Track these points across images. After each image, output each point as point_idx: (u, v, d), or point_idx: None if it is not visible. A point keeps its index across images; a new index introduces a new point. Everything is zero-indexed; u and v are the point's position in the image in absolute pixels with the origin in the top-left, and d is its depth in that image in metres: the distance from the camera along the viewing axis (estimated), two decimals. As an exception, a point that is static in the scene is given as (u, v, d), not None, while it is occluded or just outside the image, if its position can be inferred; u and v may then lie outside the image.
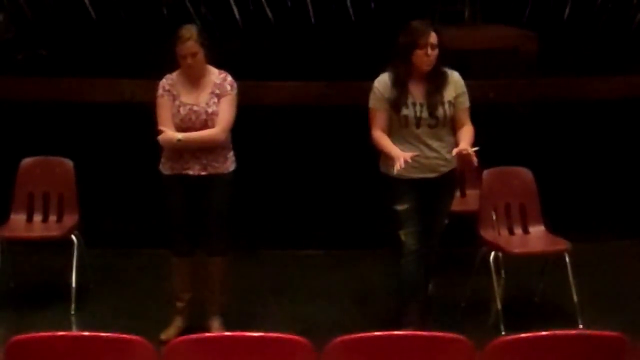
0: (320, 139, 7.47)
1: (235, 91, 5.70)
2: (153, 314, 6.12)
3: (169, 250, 5.87)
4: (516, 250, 6.13)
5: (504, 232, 6.31)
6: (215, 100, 5.65)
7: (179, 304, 5.90)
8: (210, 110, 5.63)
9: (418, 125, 5.56)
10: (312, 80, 7.67)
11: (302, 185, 7.49)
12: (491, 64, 8.74)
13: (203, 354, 3.64)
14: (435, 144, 5.59)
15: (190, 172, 5.67)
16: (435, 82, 5.57)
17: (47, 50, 8.98)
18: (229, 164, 5.75)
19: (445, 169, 5.67)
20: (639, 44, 9.43)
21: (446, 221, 5.81)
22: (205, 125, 5.63)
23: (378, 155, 5.69)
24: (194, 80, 5.67)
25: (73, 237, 6.34)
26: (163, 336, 5.67)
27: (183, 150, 5.64)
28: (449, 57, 5.69)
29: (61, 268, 6.45)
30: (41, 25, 9.71)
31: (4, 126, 7.50)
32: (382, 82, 5.61)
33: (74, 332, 5.29)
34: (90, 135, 7.43)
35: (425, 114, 5.55)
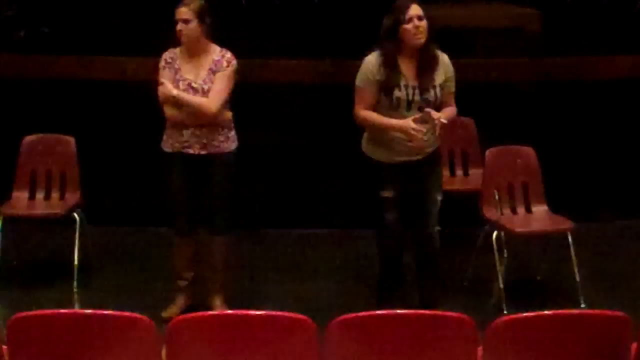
0: (324, 118, 7.45)
1: (232, 68, 5.66)
2: (155, 291, 6.13)
3: (171, 229, 5.87)
4: (519, 230, 6.12)
5: (507, 211, 6.30)
6: (212, 77, 5.63)
7: (181, 283, 5.90)
8: (207, 87, 5.61)
9: (409, 108, 5.46)
10: (317, 58, 7.64)
11: (305, 164, 7.48)
12: (495, 43, 8.70)
13: (205, 332, 3.65)
14: (423, 127, 5.47)
15: (191, 151, 5.66)
16: (426, 63, 5.46)
17: (48, 28, 8.95)
18: (230, 143, 5.74)
19: (430, 149, 5.61)
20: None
21: (440, 198, 5.74)
22: None
23: (359, 135, 5.64)
24: (195, 56, 5.65)
25: (75, 214, 6.33)
26: (165, 314, 5.67)
27: (183, 128, 5.63)
28: (437, 34, 5.54)
29: (63, 246, 6.46)
30: (43, 3, 9.68)
31: (5, 104, 7.49)
32: (372, 62, 5.49)
33: (77, 310, 5.29)
34: (93, 112, 7.42)
35: (417, 97, 5.46)
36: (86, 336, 3.62)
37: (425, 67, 5.47)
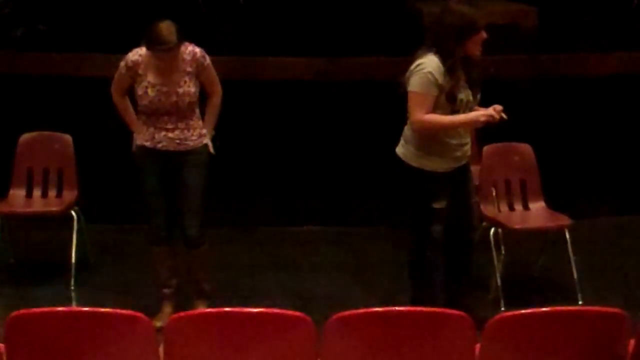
0: (320, 115, 7.45)
1: (208, 58, 5.49)
2: (152, 290, 6.10)
3: (147, 239, 5.76)
4: (516, 226, 6.12)
5: (504, 208, 6.31)
6: (187, 79, 5.43)
7: (166, 291, 5.77)
8: (181, 90, 5.42)
9: (465, 110, 5.35)
10: (313, 56, 7.63)
11: (301, 162, 7.48)
12: (491, 39, 8.68)
13: (203, 329, 3.64)
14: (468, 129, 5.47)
15: (162, 148, 5.55)
16: (475, 68, 5.42)
17: (45, 25, 8.93)
18: (202, 139, 5.60)
19: (469, 153, 5.56)
20: (639, 19, 9.39)
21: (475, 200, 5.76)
22: (175, 106, 5.43)
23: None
24: (163, 59, 5.41)
25: (72, 212, 6.33)
26: (158, 323, 5.46)
27: (155, 130, 5.53)
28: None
29: (61, 244, 6.45)
30: (39, 0, 9.66)
31: (3, 101, 7.48)
32: (436, 67, 5.26)
33: (74, 308, 5.29)
34: (90, 110, 7.40)
35: (471, 97, 5.38)
36: (83, 334, 3.62)
37: (474, 71, 5.41)
